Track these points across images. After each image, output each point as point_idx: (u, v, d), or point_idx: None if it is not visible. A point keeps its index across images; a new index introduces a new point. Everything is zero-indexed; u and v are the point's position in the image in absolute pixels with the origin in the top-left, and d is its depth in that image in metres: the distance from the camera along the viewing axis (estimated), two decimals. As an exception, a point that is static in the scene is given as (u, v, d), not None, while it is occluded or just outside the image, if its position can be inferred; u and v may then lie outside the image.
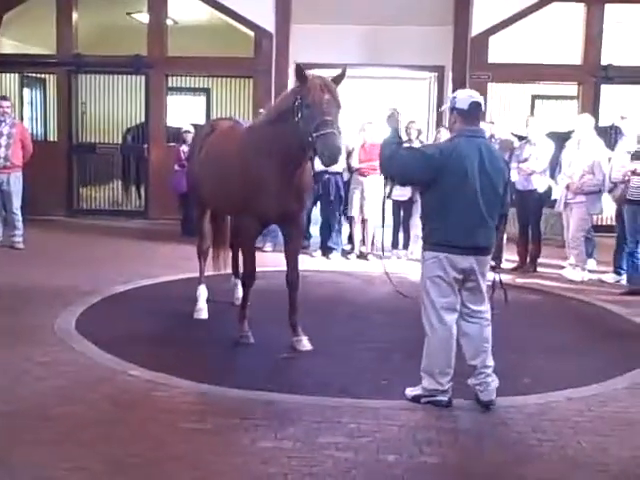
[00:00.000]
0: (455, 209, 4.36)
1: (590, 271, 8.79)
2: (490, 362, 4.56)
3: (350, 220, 9.97)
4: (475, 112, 4.51)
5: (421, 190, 4.62)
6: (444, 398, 4.53)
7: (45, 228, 11.13)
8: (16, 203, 9.71)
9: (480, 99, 4.56)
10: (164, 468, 3.72)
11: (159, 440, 4.00)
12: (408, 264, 9.35)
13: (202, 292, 6.68)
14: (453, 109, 4.51)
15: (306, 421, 4.31)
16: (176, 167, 10.87)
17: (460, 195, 4.35)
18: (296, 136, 5.11)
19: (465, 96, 4.56)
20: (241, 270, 6.29)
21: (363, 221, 9.81)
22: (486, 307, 4.60)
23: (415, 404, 4.57)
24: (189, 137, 10.65)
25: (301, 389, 4.87)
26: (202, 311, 6.58)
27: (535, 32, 12.22)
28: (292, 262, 5.76)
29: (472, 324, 4.55)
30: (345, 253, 9.88)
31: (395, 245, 9.92)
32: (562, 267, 8.88)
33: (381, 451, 3.94)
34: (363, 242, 9.86)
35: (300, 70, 5.16)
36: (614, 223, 9.09)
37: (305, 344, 5.63)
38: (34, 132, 12.94)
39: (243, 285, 5.89)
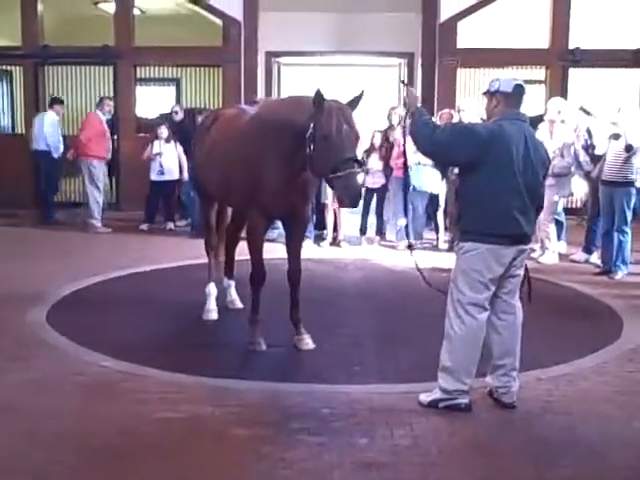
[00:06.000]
0: (499, 195, 4.10)
1: (560, 253, 8.89)
2: (517, 365, 4.39)
3: (322, 207, 9.97)
4: (519, 95, 4.29)
5: (460, 172, 4.34)
6: (465, 400, 4.28)
7: (14, 222, 11.02)
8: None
9: (522, 82, 4.36)
10: (137, 458, 3.72)
11: (132, 430, 4.01)
12: (381, 250, 9.43)
13: (212, 291, 6.26)
14: (496, 92, 4.27)
15: (279, 407, 4.33)
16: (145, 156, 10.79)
17: (504, 180, 4.10)
18: (310, 166, 4.80)
19: (509, 78, 4.37)
20: (239, 269, 6.24)
21: (335, 208, 9.82)
22: (518, 300, 4.41)
23: (387, 389, 4.61)
24: (163, 133, 10.60)
25: (274, 376, 4.91)
26: (212, 312, 6.17)
27: (503, 17, 12.26)
28: (294, 257, 5.46)
29: (507, 318, 4.32)
30: (318, 240, 9.89)
31: (364, 231, 9.96)
32: (532, 250, 8.95)
33: (354, 435, 3.97)
34: (335, 229, 9.88)
35: (320, 97, 4.67)
36: (584, 206, 9.14)
37: (308, 342, 5.42)
38: (1, 125, 12.77)
39: (252, 285, 5.43)
